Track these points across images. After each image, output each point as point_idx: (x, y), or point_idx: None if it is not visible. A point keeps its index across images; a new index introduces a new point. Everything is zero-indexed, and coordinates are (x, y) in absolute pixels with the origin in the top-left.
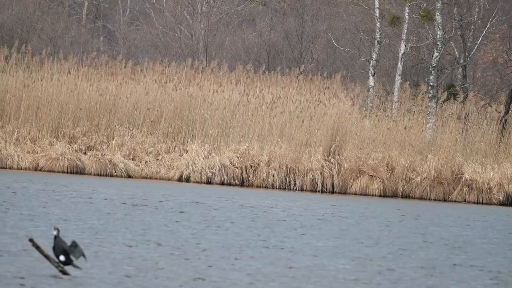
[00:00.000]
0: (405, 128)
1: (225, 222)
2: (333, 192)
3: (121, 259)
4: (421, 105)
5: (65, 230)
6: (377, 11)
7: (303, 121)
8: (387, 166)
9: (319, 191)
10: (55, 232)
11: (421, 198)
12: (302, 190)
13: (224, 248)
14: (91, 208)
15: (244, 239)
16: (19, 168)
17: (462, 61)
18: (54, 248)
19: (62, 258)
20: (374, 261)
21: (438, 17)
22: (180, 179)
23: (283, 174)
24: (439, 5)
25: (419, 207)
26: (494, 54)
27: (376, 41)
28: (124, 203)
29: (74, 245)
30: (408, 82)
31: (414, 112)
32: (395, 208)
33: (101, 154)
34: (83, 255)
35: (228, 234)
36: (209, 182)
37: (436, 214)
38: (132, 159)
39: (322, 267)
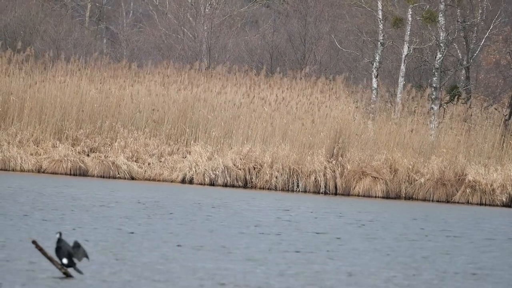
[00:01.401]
0: (411, 131)
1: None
2: (336, 194)
3: (133, 264)
4: (424, 107)
5: (87, 233)
6: (380, 12)
7: (303, 124)
8: (390, 168)
9: (322, 193)
10: (57, 235)
11: (424, 200)
12: (305, 191)
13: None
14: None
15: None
16: (22, 170)
17: (465, 62)
18: (57, 250)
19: (65, 261)
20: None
21: (441, 19)
22: (183, 181)
23: (286, 176)
24: (442, 6)
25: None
26: (497, 56)
27: (379, 42)
28: (145, 205)
29: (77, 246)
30: (411, 84)
31: (417, 113)
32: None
33: (104, 156)
34: (86, 256)
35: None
36: (212, 184)
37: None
38: (135, 161)
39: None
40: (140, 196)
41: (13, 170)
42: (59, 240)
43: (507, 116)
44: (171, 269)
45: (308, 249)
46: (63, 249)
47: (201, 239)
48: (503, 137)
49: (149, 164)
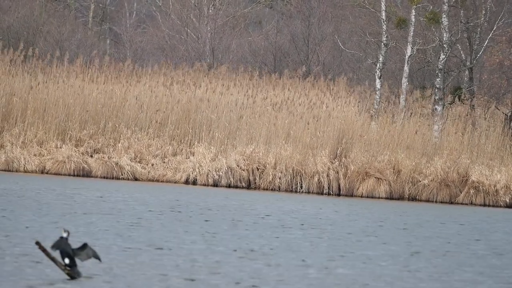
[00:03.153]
0: (416, 133)
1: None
2: (339, 195)
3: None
4: (427, 108)
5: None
6: (383, 13)
7: (307, 124)
8: (393, 169)
9: (325, 194)
10: (65, 234)
11: (427, 201)
12: (308, 192)
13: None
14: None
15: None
16: (25, 171)
17: (468, 63)
18: (54, 246)
19: (66, 260)
20: None
21: (444, 20)
22: (186, 182)
23: (289, 177)
24: (445, 7)
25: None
26: (501, 57)
27: (382, 43)
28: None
29: (83, 247)
30: (414, 87)
31: (420, 114)
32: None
33: (108, 157)
34: (96, 257)
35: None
36: (215, 185)
37: None
38: (139, 162)
39: None
40: (165, 198)
41: (16, 171)
42: (61, 239)
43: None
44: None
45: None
46: (62, 248)
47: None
48: (506, 137)
49: (152, 165)
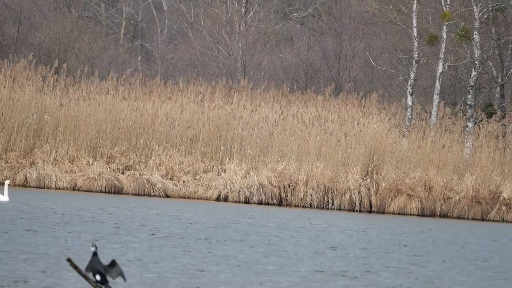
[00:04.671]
0: (443, 147)
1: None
2: (370, 212)
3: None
4: (457, 124)
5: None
6: (415, 30)
7: (339, 141)
8: (424, 186)
9: (357, 211)
10: (93, 249)
11: (459, 218)
12: (340, 209)
13: None
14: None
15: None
16: (57, 188)
17: (500, 80)
18: (88, 267)
19: (98, 277)
20: None
21: (476, 36)
22: (218, 199)
23: (321, 194)
24: (477, 24)
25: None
26: None
27: (414, 60)
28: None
29: (112, 264)
30: (444, 101)
31: (452, 131)
32: None
33: (139, 173)
34: (122, 276)
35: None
36: (247, 201)
37: None
38: (170, 179)
39: None
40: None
41: (47, 188)
42: (93, 255)
43: None
44: None
45: None
46: (93, 266)
47: None
48: None
49: (184, 182)
